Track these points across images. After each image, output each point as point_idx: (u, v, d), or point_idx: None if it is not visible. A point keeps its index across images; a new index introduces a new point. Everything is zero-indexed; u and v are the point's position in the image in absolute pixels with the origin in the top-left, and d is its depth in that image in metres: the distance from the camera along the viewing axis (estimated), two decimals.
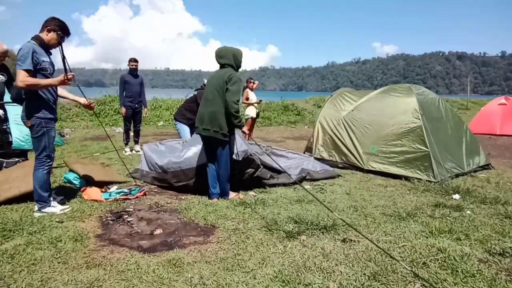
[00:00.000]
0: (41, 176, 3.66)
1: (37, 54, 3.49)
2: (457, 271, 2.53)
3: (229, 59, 4.24)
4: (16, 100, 3.66)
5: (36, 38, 3.59)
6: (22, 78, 3.41)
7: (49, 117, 3.64)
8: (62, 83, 3.57)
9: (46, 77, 3.61)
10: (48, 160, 3.71)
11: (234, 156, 4.40)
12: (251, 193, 4.64)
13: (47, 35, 3.61)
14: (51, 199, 3.80)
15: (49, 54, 3.70)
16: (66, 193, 4.32)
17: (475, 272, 2.52)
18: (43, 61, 3.55)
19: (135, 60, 7.81)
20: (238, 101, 4.16)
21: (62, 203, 3.96)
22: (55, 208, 3.75)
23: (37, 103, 3.57)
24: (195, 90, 6.50)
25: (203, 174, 4.42)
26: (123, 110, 7.66)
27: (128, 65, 7.77)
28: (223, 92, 4.09)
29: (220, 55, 4.28)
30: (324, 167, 5.78)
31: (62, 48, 3.63)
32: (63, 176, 4.90)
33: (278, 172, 5.02)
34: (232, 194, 4.38)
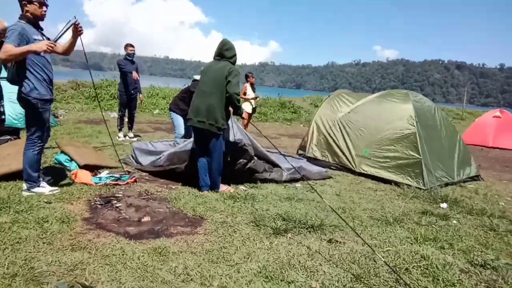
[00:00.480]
0: (32, 157, 3.61)
1: (27, 33, 3.39)
2: (438, 279, 2.56)
3: (233, 54, 4.29)
4: (12, 81, 3.57)
5: (23, 17, 3.47)
6: (2, 50, 3.28)
7: (45, 98, 3.59)
8: (42, 49, 3.31)
9: (41, 58, 3.53)
10: (40, 141, 3.65)
11: (231, 138, 4.52)
12: (242, 187, 4.65)
13: (27, 10, 3.47)
14: (41, 179, 3.77)
15: (41, 30, 3.59)
16: (56, 175, 4.30)
17: (456, 281, 2.56)
18: (35, 39, 3.43)
19: (132, 45, 7.74)
20: (238, 93, 4.22)
21: (51, 184, 3.93)
22: (44, 188, 3.72)
23: (33, 83, 3.50)
24: (193, 81, 6.44)
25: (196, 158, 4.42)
26: (135, 74, 7.56)
27: (126, 50, 7.69)
28: (222, 86, 4.09)
29: (226, 47, 4.29)
30: (318, 170, 5.77)
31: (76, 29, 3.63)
32: (54, 157, 4.87)
33: (273, 165, 5.02)
34: (222, 187, 4.39)
